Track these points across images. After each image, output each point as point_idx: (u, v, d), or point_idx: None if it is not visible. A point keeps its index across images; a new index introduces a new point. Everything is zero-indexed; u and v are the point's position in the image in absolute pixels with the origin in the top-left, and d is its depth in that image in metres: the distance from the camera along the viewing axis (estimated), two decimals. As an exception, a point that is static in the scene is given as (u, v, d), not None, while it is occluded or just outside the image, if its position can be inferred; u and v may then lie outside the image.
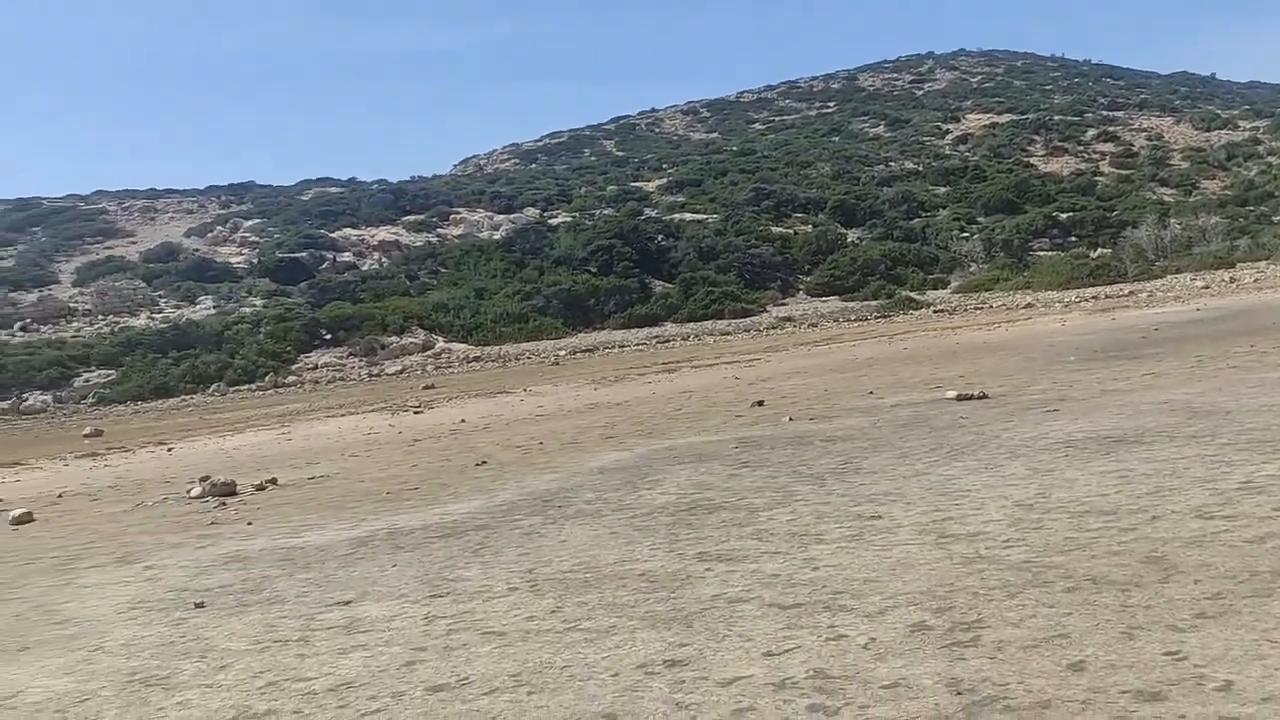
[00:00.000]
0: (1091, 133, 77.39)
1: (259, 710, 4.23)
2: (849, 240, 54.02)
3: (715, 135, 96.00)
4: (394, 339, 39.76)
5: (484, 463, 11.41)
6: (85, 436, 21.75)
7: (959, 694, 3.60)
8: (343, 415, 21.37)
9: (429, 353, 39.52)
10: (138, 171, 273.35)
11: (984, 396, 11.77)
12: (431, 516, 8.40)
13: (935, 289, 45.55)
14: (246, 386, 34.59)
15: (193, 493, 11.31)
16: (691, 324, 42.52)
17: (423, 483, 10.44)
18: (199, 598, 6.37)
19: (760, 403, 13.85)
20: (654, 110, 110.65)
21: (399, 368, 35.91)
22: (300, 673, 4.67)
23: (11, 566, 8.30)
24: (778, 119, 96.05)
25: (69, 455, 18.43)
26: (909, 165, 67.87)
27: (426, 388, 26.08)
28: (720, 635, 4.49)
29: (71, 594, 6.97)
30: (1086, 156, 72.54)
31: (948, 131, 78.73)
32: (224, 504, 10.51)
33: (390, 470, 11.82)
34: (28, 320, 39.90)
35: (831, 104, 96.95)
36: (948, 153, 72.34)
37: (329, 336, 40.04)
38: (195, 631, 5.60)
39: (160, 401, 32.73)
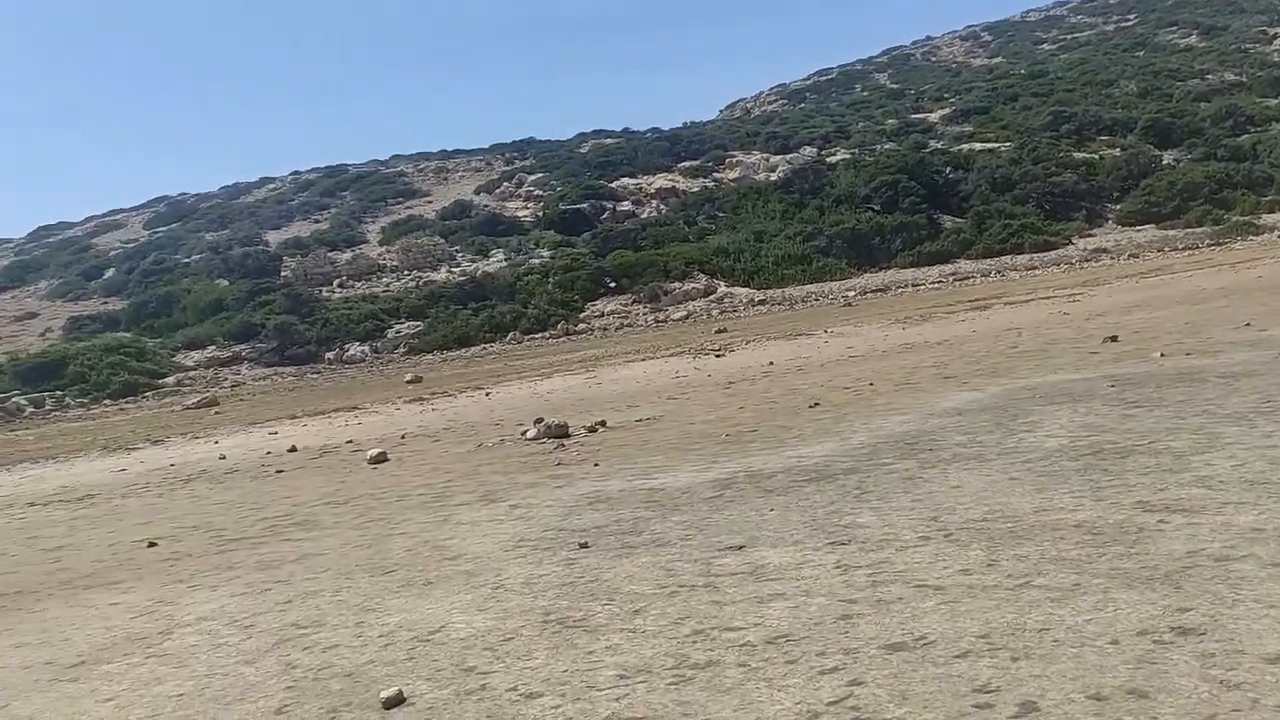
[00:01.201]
0: None
1: (699, 660, 3.94)
2: (1164, 163, 49.25)
3: (999, 60, 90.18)
4: (676, 285, 40.00)
5: (816, 404, 10.93)
6: (407, 383, 23.10)
7: None
8: (642, 360, 21.54)
9: (711, 297, 39.52)
10: (429, 135, 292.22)
11: (1405, 325, 10.07)
12: (786, 459, 8.01)
13: (1272, 212, 40.70)
14: (540, 335, 35.85)
15: (528, 434, 11.52)
16: (988, 260, 40.21)
17: (759, 425, 10.10)
18: (580, 538, 6.26)
19: (1113, 338, 12.57)
20: (929, 38, 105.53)
21: (684, 313, 36.09)
22: (724, 621, 4.35)
23: (385, 503, 8.63)
24: (1069, 37, 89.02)
25: (398, 400, 19.56)
26: (1230, 77, 60.90)
27: (719, 331, 25.94)
28: (1228, 600, 3.77)
29: (451, 530, 7.08)
30: None
31: (1275, 36, 70.09)
32: (562, 445, 10.60)
33: (717, 412, 11.58)
34: (344, 277, 43.11)
35: (1132, 16, 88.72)
36: (1277, 60, 64.42)
37: (613, 284, 40.83)
38: (591, 573, 5.44)
39: (463, 350, 34.50)
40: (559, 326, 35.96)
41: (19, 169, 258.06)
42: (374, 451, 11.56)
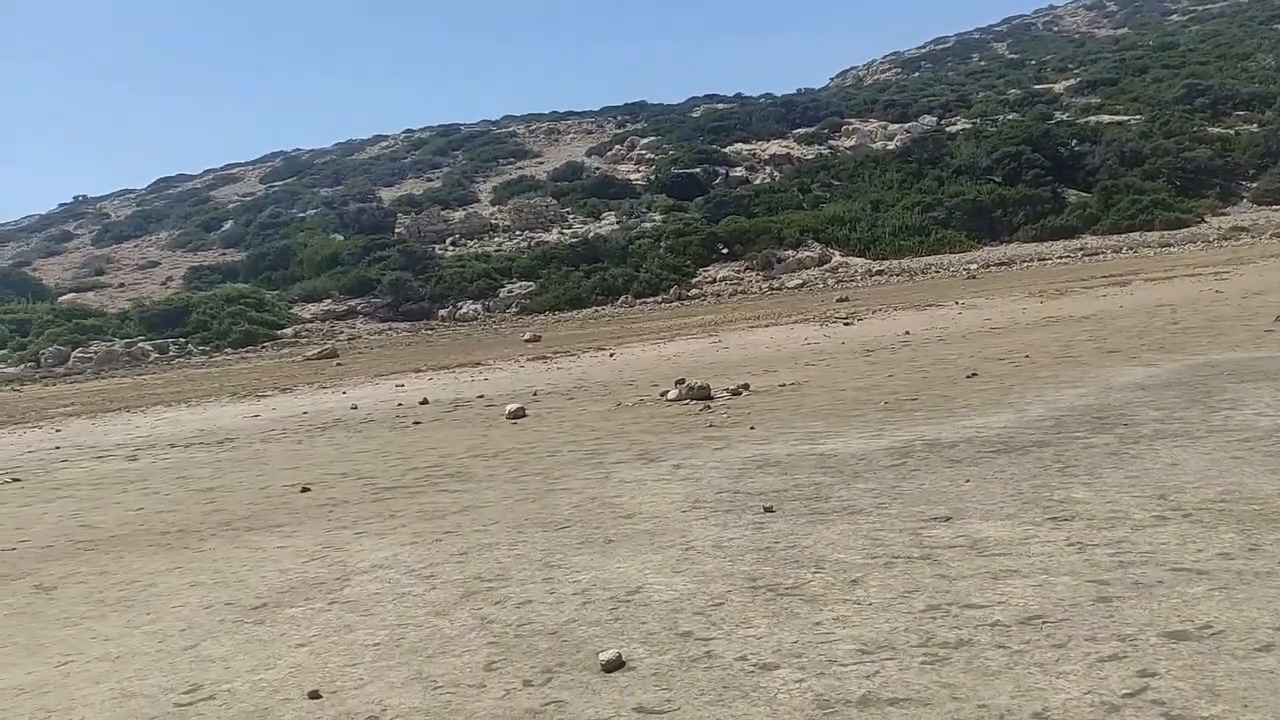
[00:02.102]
0: None
1: (948, 639, 3.59)
2: (1305, 140, 46.56)
3: (1125, 31, 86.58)
4: (790, 253, 39.34)
5: (974, 375, 10.42)
6: (526, 341, 23.07)
7: None
8: (765, 326, 21.10)
9: (825, 266, 38.76)
10: (539, 96, 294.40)
11: None
12: (961, 429, 7.57)
13: None
14: (652, 299, 35.61)
15: (668, 395, 11.25)
16: (1115, 236, 38.64)
17: (918, 393, 9.64)
18: (760, 501, 5.95)
19: (1291, 316, 11.75)
20: (1051, 7, 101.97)
21: (799, 281, 35.45)
22: (959, 598, 3.99)
23: (536, 458, 8.44)
24: (1201, 8, 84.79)
25: (520, 357, 19.50)
26: (1381, 50, 57.31)
27: (840, 300, 25.32)
28: None
29: (616, 488, 6.84)
30: None
31: None
32: (708, 407, 10.29)
33: (866, 380, 11.14)
34: (456, 235, 43.43)
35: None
36: None
37: (726, 250, 40.33)
38: (786, 538, 5.12)
39: (575, 311, 34.46)
40: (671, 291, 35.67)
41: (143, 123, 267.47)
42: (511, 407, 11.42)
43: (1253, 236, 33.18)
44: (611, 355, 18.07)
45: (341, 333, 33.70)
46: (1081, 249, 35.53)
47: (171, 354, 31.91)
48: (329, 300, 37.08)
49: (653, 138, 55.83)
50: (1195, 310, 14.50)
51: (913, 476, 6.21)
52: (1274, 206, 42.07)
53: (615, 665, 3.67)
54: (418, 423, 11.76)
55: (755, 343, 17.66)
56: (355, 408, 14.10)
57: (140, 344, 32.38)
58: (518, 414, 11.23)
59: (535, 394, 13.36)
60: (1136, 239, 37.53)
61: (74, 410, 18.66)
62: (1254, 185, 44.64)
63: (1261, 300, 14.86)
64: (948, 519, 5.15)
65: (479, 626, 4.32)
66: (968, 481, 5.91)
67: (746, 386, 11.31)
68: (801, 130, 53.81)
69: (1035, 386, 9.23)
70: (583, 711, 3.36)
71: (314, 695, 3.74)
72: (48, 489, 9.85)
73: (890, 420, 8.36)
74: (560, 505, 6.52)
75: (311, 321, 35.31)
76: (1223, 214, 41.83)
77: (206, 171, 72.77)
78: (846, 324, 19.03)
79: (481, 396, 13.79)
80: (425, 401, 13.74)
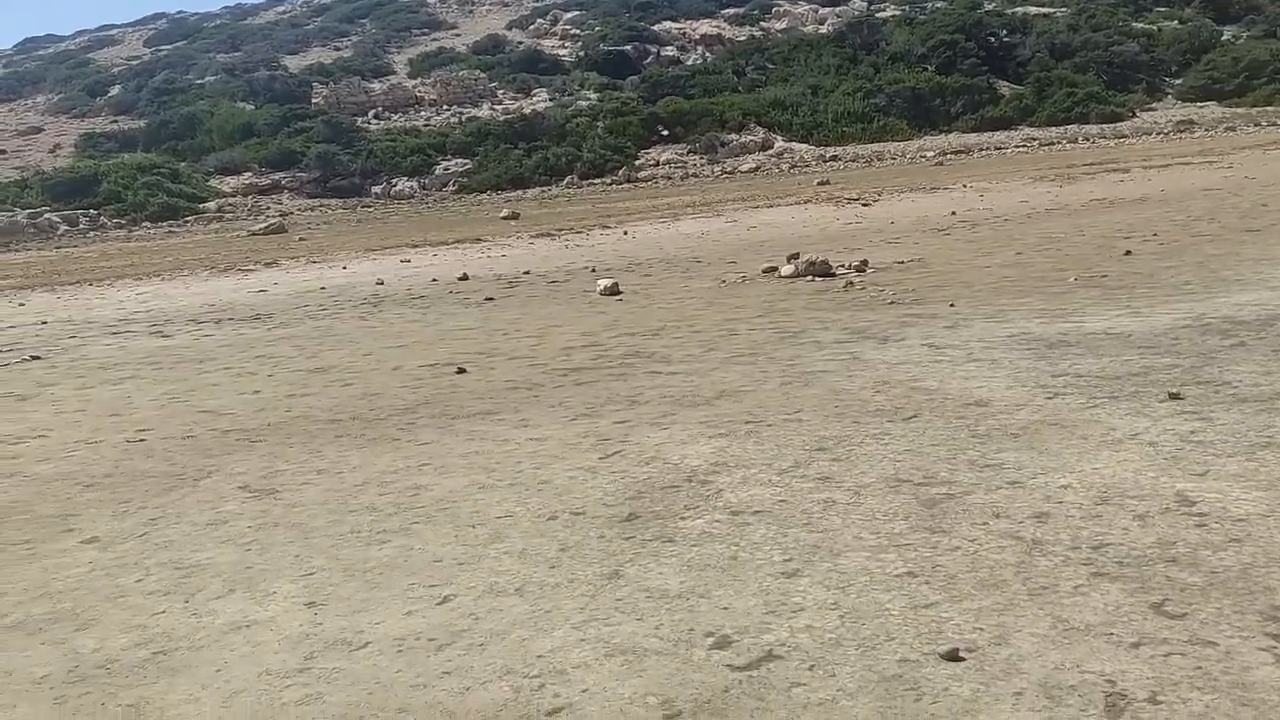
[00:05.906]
0: None
1: None
2: (1223, 38, 47.22)
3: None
4: (733, 136, 37.99)
5: (1129, 253, 9.62)
6: (504, 219, 21.45)
7: None
8: (768, 207, 19.97)
9: (769, 152, 37.59)
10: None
11: None
12: (1241, 308, 6.75)
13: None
14: (598, 180, 33.95)
15: (783, 271, 10.15)
16: (1053, 128, 38.50)
17: (1093, 269, 8.76)
18: (1132, 385, 4.98)
19: None
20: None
21: (751, 166, 34.29)
22: None
23: (721, 336, 7.28)
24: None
25: (521, 234, 17.97)
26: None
27: (822, 184, 24.30)
28: None
29: (896, 370, 5.76)
30: None
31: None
32: (851, 284, 9.22)
33: (999, 258, 10.22)
34: (379, 108, 40.62)
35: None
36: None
37: (666, 132, 38.74)
38: (1271, 431, 4.15)
39: (519, 191, 32.59)
40: (620, 173, 34.06)
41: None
42: (604, 283, 10.14)
43: (1206, 130, 33.38)
44: (627, 234, 16.74)
45: (268, 208, 31.16)
46: (1034, 139, 35.27)
47: (83, 226, 28.98)
48: (249, 174, 34.19)
49: (576, 12, 53.12)
50: (1258, 194, 14.01)
51: (1233, 364, 5.31)
52: (1199, 103, 42.63)
53: (1374, 607, 2.66)
54: (490, 299, 10.39)
55: (778, 222, 16.57)
56: (381, 283, 12.55)
57: (47, 215, 29.30)
58: (613, 290, 9.98)
59: (593, 270, 12.05)
60: (1076, 130, 37.43)
61: (16, 284, 16.45)
62: (1178, 82, 45.13)
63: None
64: None
65: (1032, 549, 3.25)
66: (1368, 365, 5.04)
67: (866, 263, 10.27)
68: (731, 10, 51.93)
69: (1236, 264, 8.46)
70: None
71: (952, 657, 2.63)
72: (93, 369, 8.24)
73: (1116, 297, 7.46)
74: (853, 390, 5.42)
75: (234, 195, 32.51)
76: (1150, 109, 42.19)
77: (80, 33, 66.67)
78: (865, 205, 18.06)
79: (528, 273, 12.42)
80: (465, 277, 12.30)
